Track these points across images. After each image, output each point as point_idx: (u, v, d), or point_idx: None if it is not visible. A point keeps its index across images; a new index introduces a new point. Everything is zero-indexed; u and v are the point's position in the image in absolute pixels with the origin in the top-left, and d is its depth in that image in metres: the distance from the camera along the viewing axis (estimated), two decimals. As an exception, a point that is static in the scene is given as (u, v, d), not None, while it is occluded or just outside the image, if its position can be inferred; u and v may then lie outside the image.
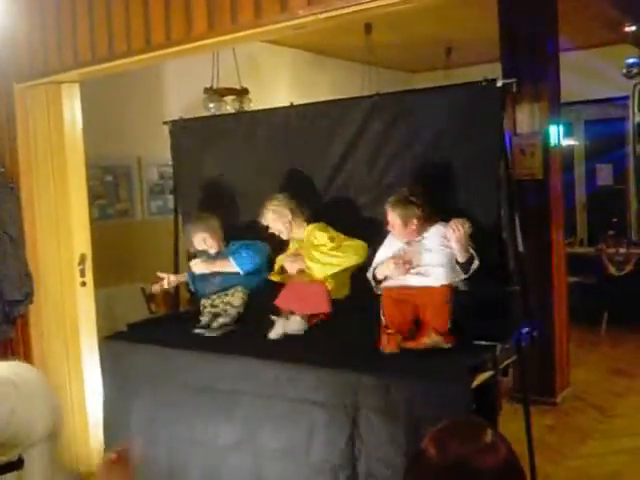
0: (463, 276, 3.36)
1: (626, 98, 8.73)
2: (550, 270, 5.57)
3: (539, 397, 5.28)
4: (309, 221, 3.99)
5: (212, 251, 4.21)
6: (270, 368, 3.37)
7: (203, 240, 4.18)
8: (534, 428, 3.59)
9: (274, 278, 4.06)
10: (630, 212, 9.18)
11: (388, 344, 3.29)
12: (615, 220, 9.06)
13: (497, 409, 3.24)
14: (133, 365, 3.90)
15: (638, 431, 4.98)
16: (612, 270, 7.84)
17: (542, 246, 5.48)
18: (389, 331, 3.33)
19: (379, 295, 3.53)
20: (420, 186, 3.56)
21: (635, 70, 6.90)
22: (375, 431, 3.05)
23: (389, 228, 3.53)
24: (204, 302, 4.17)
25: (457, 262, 3.35)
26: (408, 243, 3.51)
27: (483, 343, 3.28)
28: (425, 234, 3.49)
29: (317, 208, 4.06)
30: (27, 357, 4.46)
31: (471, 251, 3.32)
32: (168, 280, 4.29)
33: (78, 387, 4.47)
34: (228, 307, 4.04)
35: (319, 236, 3.85)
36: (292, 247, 4.05)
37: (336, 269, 3.78)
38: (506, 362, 3.43)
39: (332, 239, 3.82)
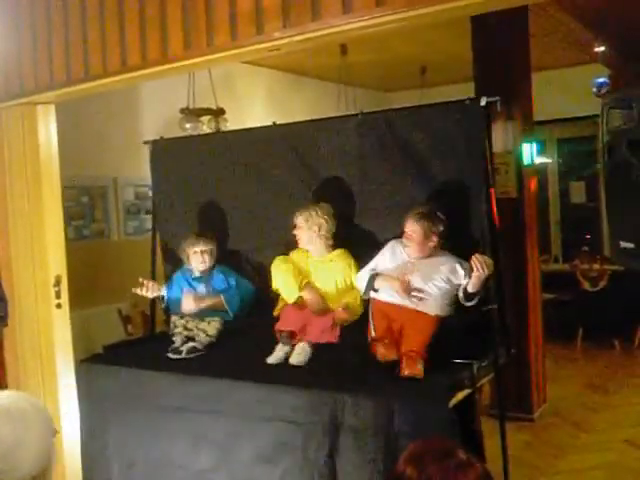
0: (469, 304, 3.40)
1: (598, 116, 8.84)
2: (525, 287, 5.62)
3: (516, 413, 5.32)
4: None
5: (201, 267, 4.17)
6: (247, 389, 3.36)
7: (202, 253, 4.14)
8: (511, 444, 3.62)
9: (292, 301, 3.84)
10: (603, 229, 9.29)
11: (387, 352, 3.28)
12: (589, 237, 9.19)
13: (477, 427, 3.26)
14: (110, 387, 3.87)
15: (613, 446, 5.03)
16: (586, 286, 7.93)
17: (517, 263, 5.53)
18: (386, 341, 3.32)
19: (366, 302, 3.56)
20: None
21: (604, 89, 7.01)
22: (354, 449, 3.05)
23: (405, 239, 3.50)
24: (176, 320, 4.07)
25: (464, 291, 3.38)
26: (413, 262, 3.49)
27: (461, 361, 3.31)
28: (434, 258, 3.49)
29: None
30: (1, 380, 4.40)
31: None
32: (148, 288, 4.19)
33: (54, 410, 4.40)
34: (201, 334, 3.96)
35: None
36: (296, 255, 3.92)
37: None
38: (483, 380, 3.46)
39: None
